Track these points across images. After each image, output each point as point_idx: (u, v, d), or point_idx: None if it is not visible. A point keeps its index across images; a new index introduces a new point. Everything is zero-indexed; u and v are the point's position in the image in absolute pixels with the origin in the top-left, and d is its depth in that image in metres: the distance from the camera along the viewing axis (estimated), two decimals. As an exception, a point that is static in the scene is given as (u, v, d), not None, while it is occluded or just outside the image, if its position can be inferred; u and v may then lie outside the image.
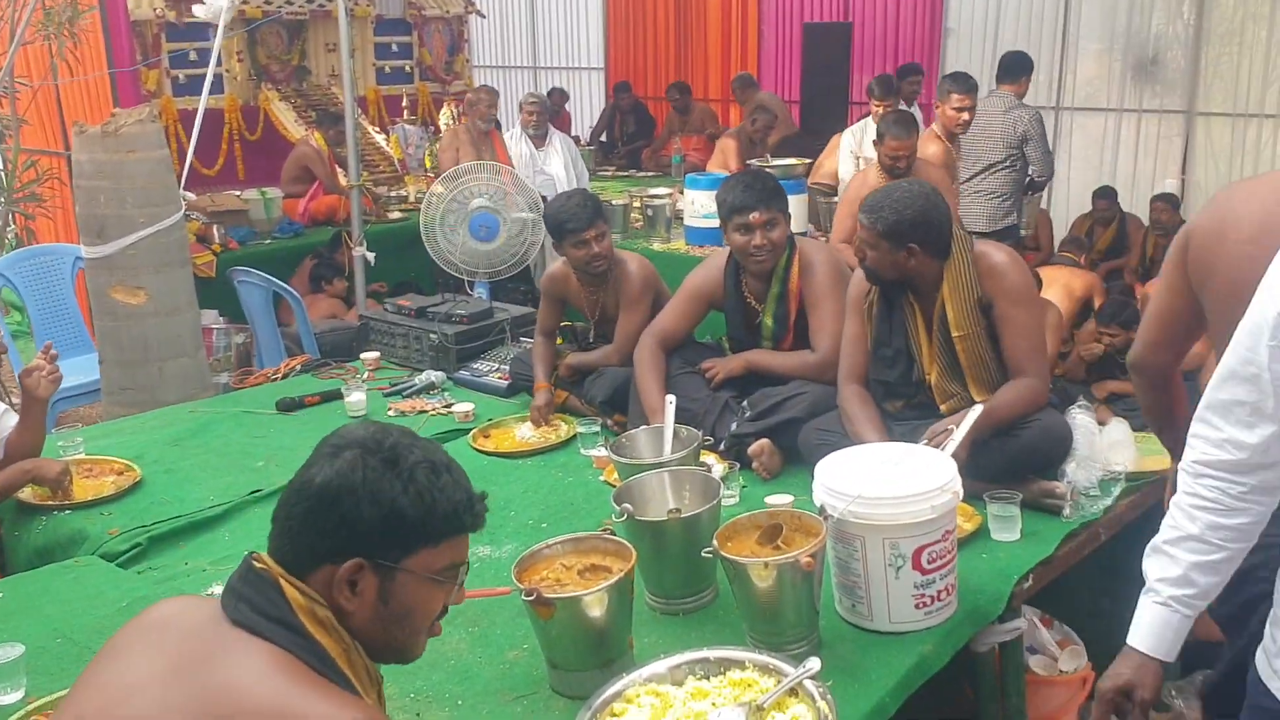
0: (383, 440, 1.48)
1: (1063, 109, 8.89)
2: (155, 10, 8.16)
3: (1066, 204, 8.71)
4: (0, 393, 4.19)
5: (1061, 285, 5.91)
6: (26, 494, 3.33)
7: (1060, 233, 8.09)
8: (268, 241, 7.13)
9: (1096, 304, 6.47)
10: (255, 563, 1.42)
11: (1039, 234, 7.80)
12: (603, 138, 10.99)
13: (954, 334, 3.01)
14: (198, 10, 4.80)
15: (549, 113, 8.11)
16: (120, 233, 4.20)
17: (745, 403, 3.45)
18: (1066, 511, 2.86)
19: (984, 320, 3.02)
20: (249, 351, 5.74)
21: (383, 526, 1.44)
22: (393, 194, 8.53)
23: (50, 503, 3.31)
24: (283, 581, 1.39)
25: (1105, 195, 7.74)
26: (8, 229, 5.46)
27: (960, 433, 2.69)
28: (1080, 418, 3.09)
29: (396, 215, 7.95)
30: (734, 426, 3.39)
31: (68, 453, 3.59)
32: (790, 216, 3.53)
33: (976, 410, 2.75)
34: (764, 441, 3.29)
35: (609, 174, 9.93)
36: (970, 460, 2.75)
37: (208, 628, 1.34)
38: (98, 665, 1.36)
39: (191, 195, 4.70)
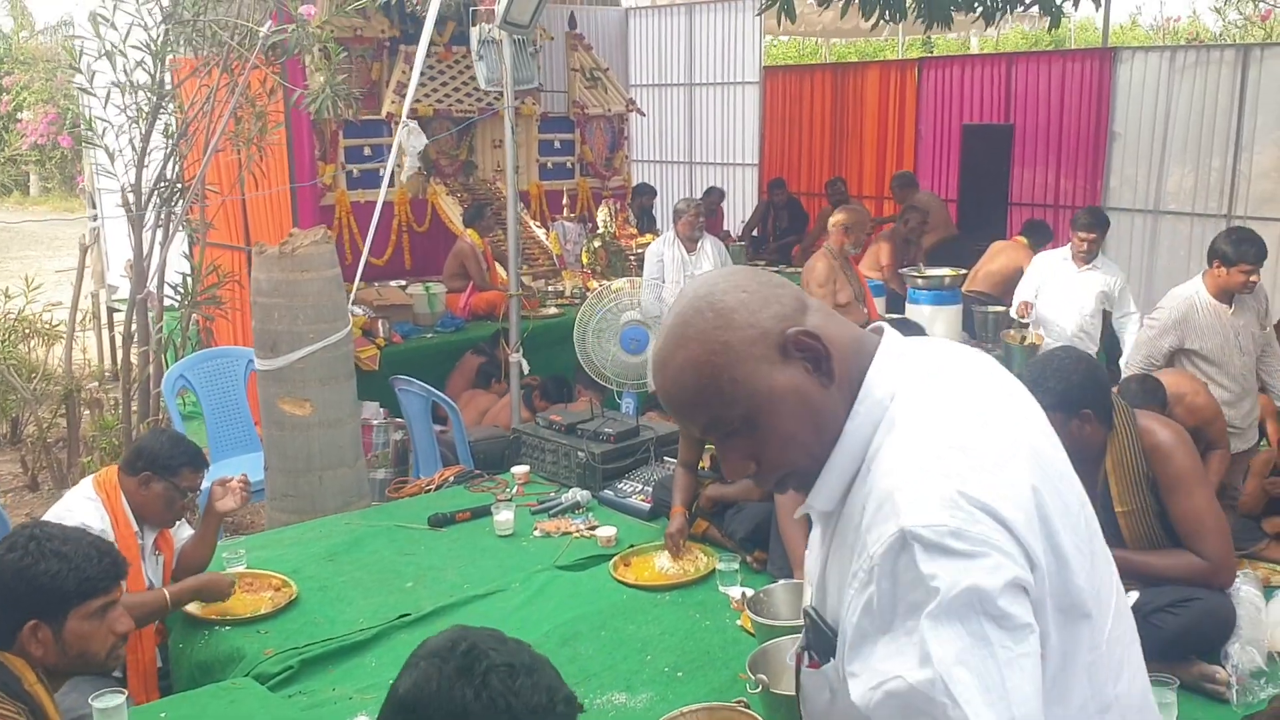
0: (458, 644, 1.50)
1: (1234, 217, 8.55)
2: (337, 111, 8.67)
3: (1239, 315, 8.34)
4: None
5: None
6: (193, 607, 3.51)
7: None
8: (430, 336, 7.39)
9: (1271, 434, 6.16)
10: None
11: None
12: (755, 233, 11.07)
13: (1118, 509, 2.95)
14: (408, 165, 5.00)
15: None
16: (291, 347, 4.44)
17: None
18: (1231, 698, 2.71)
19: (1151, 497, 2.94)
20: (406, 449, 5.94)
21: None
22: (550, 288, 8.74)
23: (213, 617, 3.48)
24: None
25: None
26: (189, 330, 5.80)
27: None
28: (1245, 591, 2.94)
29: (553, 310, 8.13)
30: None
31: (232, 564, 3.78)
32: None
33: (1131, 596, 2.65)
34: None
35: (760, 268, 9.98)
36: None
37: None
38: None
39: (359, 310, 4.91)
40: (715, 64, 12.13)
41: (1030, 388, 2.90)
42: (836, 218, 6.48)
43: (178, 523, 3.70)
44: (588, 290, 7.96)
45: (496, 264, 8.56)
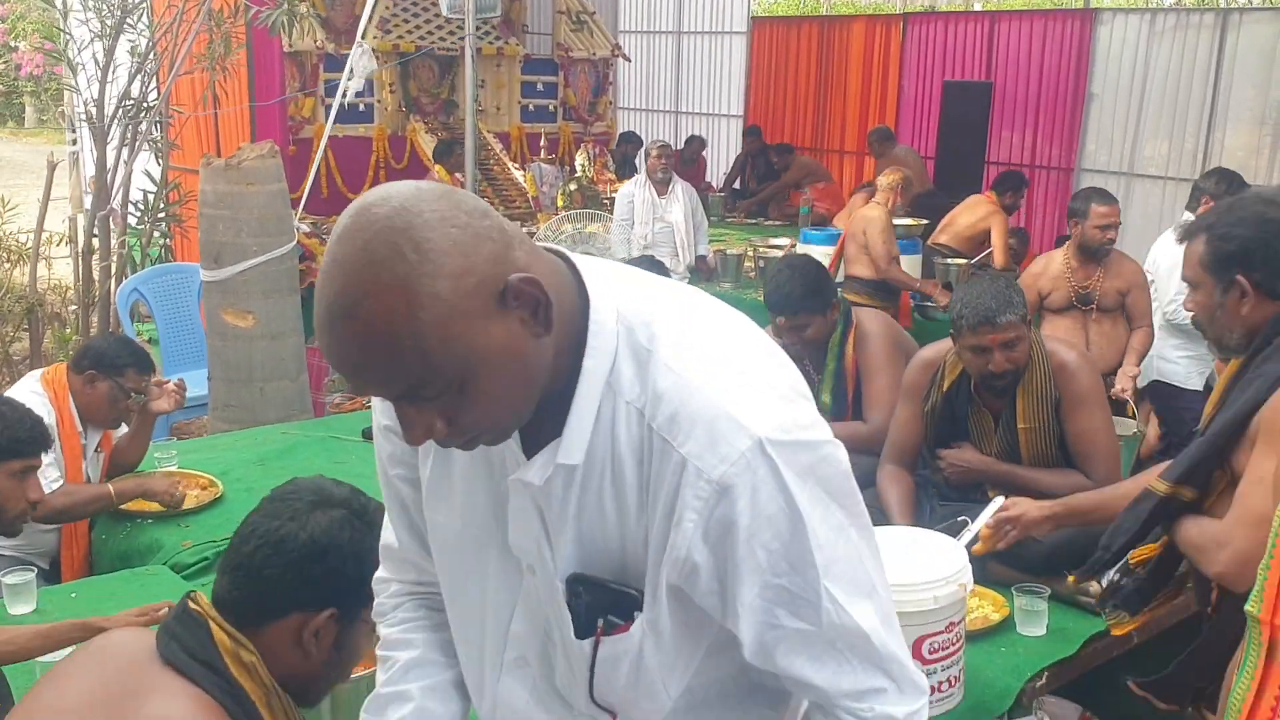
0: (367, 505, 1.70)
1: (1208, 181, 8.58)
2: (316, 42, 8.67)
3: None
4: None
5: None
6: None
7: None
8: (397, 266, 7.42)
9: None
10: (190, 603, 1.56)
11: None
12: (735, 185, 11.08)
13: (1020, 425, 3.04)
14: (350, 86, 5.06)
15: (675, 161, 8.26)
16: (235, 259, 4.50)
17: None
18: (1101, 611, 2.79)
19: (1053, 417, 3.04)
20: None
21: (359, 583, 1.57)
22: (526, 230, 8.78)
23: (134, 509, 3.56)
24: (212, 624, 1.51)
25: None
26: (150, 246, 5.86)
27: (978, 524, 2.67)
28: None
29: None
30: None
31: (162, 464, 3.85)
32: (827, 310, 3.57)
33: (997, 502, 2.73)
34: None
35: (736, 220, 10.02)
36: (1010, 550, 2.74)
37: (140, 663, 1.47)
38: (42, 685, 1.51)
39: (305, 226, 4.97)
40: (704, 12, 12.12)
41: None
42: (891, 177, 6.52)
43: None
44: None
45: (466, 200, 8.60)
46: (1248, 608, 1.70)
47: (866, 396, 3.53)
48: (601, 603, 1.26)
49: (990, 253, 7.05)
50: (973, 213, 7.11)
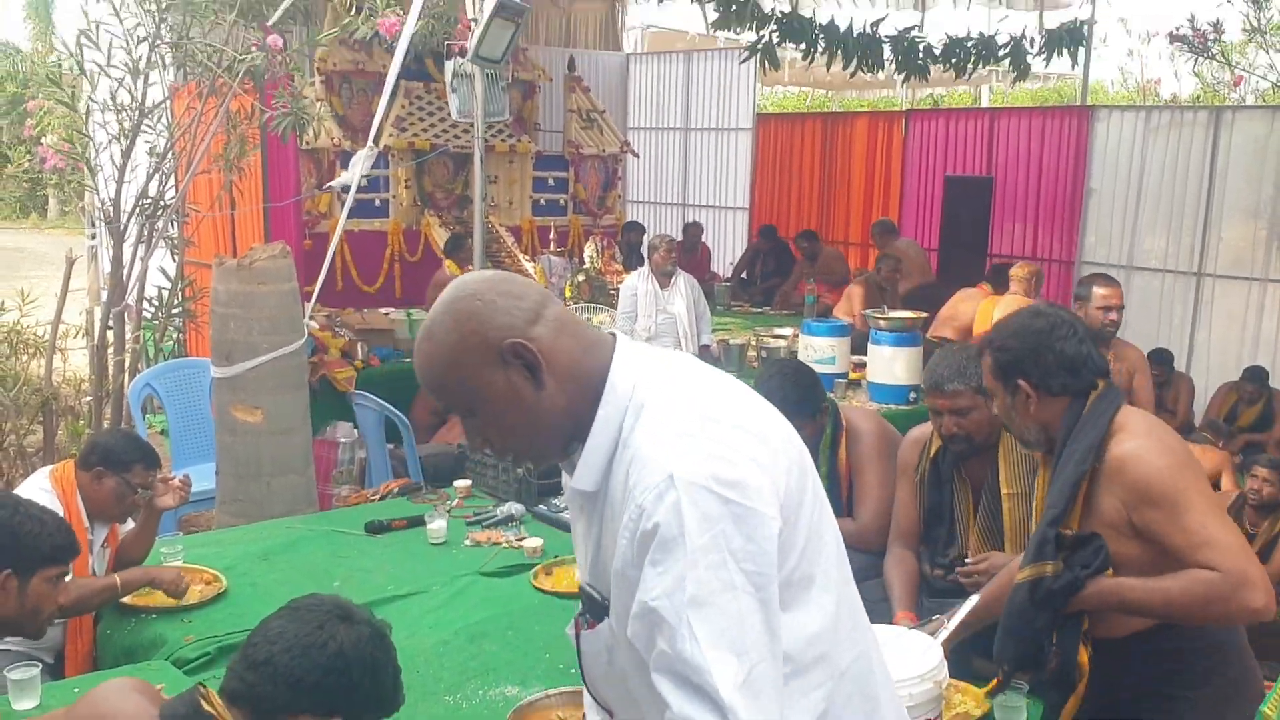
0: (384, 628, 1.87)
1: (1204, 275, 8.70)
2: (333, 139, 8.94)
3: (1207, 371, 8.47)
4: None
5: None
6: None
7: (1201, 401, 7.88)
8: (408, 360, 7.53)
9: (1224, 484, 6.26)
10: (202, 701, 1.63)
11: (1179, 397, 7.59)
12: (744, 275, 11.26)
13: (1003, 491, 3.11)
14: (335, 183, 5.26)
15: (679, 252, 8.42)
16: (245, 356, 4.61)
17: None
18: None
19: (1032, 484, 3.11)
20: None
21: (370, 698, 1.78)
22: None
23: (140, 605, 3.62)
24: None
25: (1256, 379, 7.46)
26: (163, 341, 6.00)
27: (953, 623, 2.72)
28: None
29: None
30: None
31: (168, 559, 3.92)
32: (816, 415, 3.65)
33: (972, 600, 2.78)
34: None
35: (741, 310, 10.17)
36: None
37: None
38: None
39: (315, 324, 5.11)
40: (711, 109, 12.42)
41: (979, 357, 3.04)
42: (1026, 269, 6.88)
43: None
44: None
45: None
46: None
47: (857, 492, 3.60)
48: (588, 605, 1.62)
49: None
50: (970, 305, 7.23)
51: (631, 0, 12.94)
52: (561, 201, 10.81)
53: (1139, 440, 2.45)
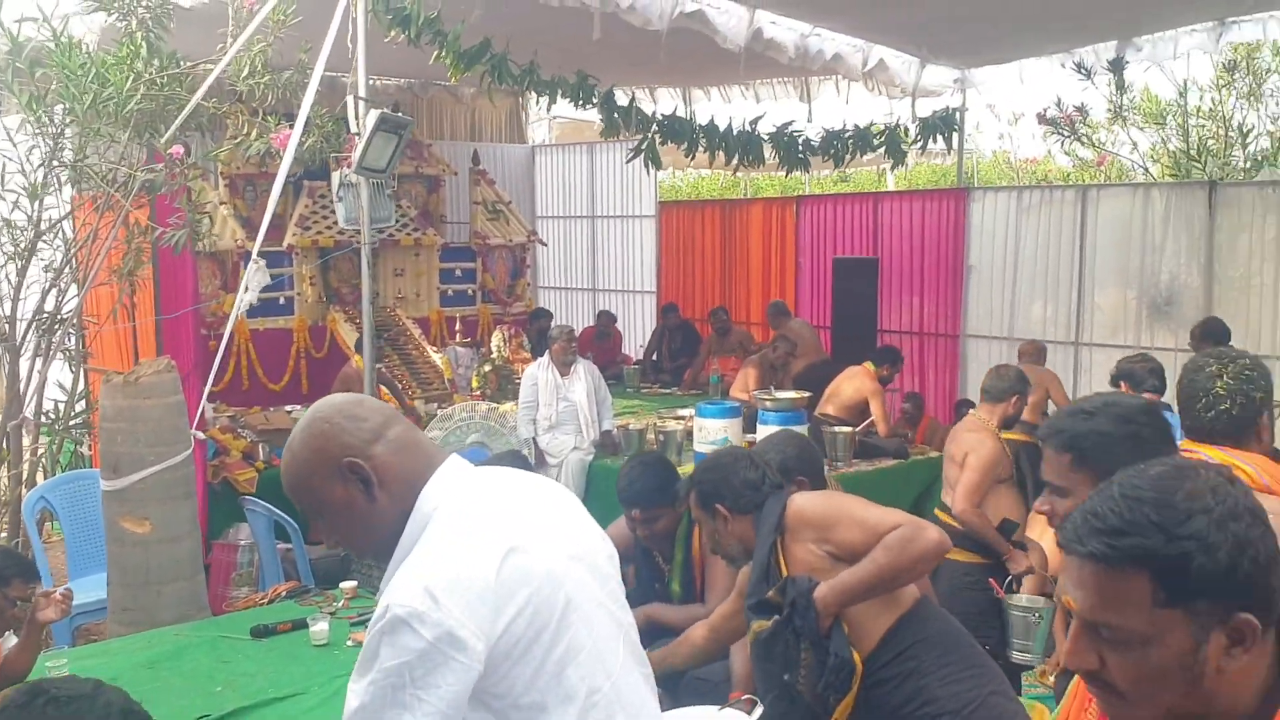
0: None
1: (1081, 344, 9.16)
2: (237, 241, 9.13)
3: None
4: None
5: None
6: (2, 711, 3.76)
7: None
8: (310, 459, 7.67)
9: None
10: None
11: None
12: (654, 356, 11.55)
13: None
14: (240, 301, 5.46)
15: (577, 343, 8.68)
16: (133, 468, 4.76)
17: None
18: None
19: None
20: (261, 572, 6.22)
21: None
22: (441, 409, 9.10)
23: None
24: None
25: None
26: (60, 453, 6.10)
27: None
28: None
29: (436, 433, 8.46)
30: None
31: (54, 673, 4.01)
32: (675, 503, 3.91)
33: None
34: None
35: (650, 391, 10.43)
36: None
37: None
38: None
39: (201, 435, 5.27)
40: (616, 198, 12.81)
41: None
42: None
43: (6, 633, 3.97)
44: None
45: (383, 388, 8.94)
46: None
47: (708, 578, 3.83)
48: None
49: (873, 420, 7.48)
50: (852, 384, 7.56)
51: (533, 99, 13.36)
52: (470, 292, 11.03)
53: (804, 495, 3.17)
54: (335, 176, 6.05)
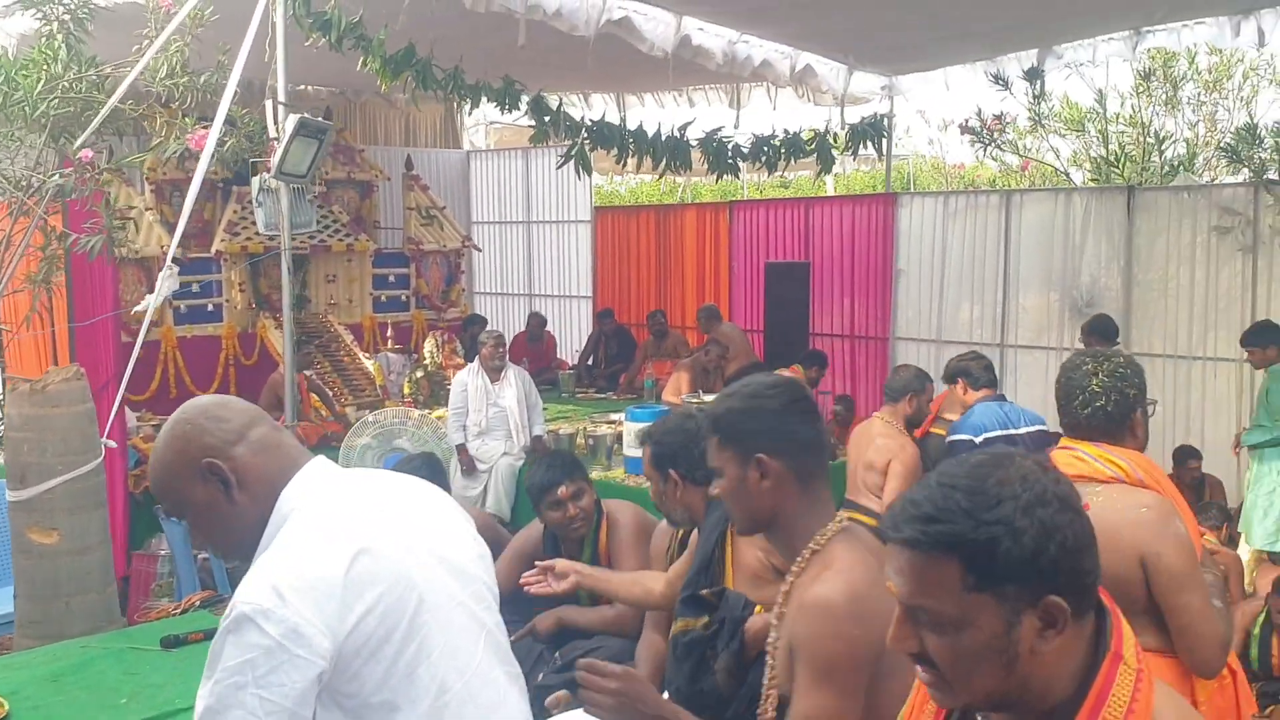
0: None
1: (1006, 346, 9.30)
2: (163, 246, 9.00)
3: (1011, 437, 9.00)
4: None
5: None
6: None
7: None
8: (234, 467, 7.58)
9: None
10: None
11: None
12: (589, 361, 11.56)
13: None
14: (138, 308, 5.39)
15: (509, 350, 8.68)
16: (40, 479, 4.67)
17: (557, 654, 3.75)
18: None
19: None
20: (183, 580, 6.14)
21: None
22: (373, 415, 9.03)
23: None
24: None
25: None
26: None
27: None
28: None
29: (365, 439, 8.40)
30: (540, 677, 3.68)
31: (-47, 687, 3.95)
32: (593, 485, 3.93)
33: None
34: (562, 693, 3.56)
35: (585, 396, 10.43)
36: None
37: None
38: None
39: (113, 443, 5.18)
40: (551, 203, 12.80)
41: None
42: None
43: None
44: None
45: (313, 395, 8.87)
46: None
47: None
48: None
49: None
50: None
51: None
52: (404, 297, 10.99)
53: None
54: (255, 182, 5.99)
